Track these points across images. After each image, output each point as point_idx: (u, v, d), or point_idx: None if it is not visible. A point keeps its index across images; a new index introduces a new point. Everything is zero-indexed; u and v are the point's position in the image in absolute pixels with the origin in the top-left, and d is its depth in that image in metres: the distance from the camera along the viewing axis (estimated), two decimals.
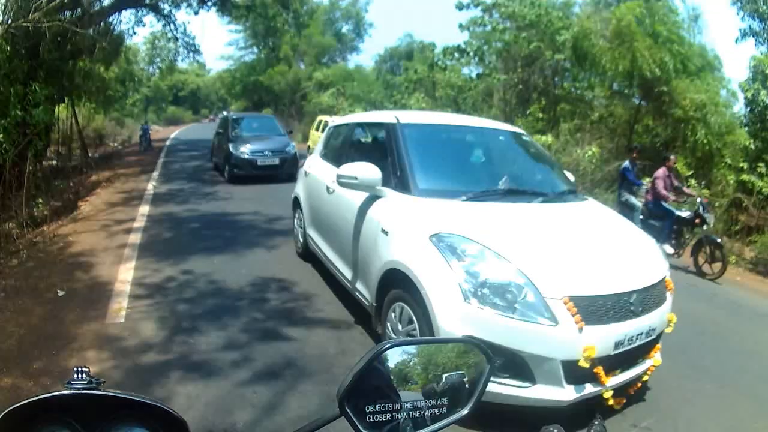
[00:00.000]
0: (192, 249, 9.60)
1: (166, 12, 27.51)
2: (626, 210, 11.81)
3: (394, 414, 1.33)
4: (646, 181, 13.22)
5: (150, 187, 16.73)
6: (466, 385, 1.44)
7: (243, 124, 21.54)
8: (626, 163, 12.92)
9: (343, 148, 8.18)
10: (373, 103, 38.42)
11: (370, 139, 7.94)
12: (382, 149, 6.46)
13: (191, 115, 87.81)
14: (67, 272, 8.20)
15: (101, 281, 7.81)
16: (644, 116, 21.04)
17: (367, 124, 8.24)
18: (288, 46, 55.99)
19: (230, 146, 18.85)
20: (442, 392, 1.40)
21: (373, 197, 5.98)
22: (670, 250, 11.21)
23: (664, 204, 11.66)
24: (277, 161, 18.91)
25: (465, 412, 1.42)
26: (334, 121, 10.55)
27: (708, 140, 17.92)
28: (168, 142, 35.95)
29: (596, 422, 1.87)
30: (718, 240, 11.05)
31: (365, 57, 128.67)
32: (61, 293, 7.24)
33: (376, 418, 1.31)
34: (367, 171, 5.82)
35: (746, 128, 18.01)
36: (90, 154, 24.49)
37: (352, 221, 6.33)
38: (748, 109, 17.36)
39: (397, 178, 5.83)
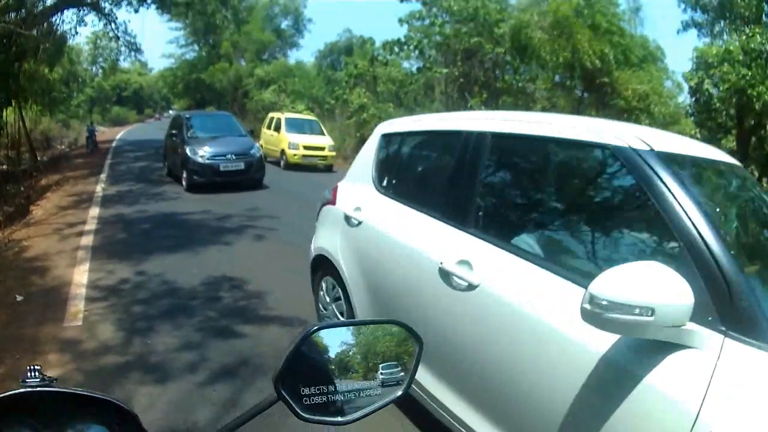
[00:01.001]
0: (144, 250, 9.27)
1: (107, 11, 26.53)
2: None
3: (330, 396, 1.32)
4: None
5: (99, 189, 15.98)
6: (399, 366, 1.43)
7: (198, 123, 17.98)
8: None
9: (465, 187, 3.79)
10: (315, 99, 37.76)
11: (550, 179, 3.63)
12: (607, 213, 3.09)
13: (135, 115, 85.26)
14: (23, 277, 7.96)
15: (57, 285, 7.53)
16: (587, 107, 20.67)
17: (533, 139, 3.46)
18: (228, 43, 54.45)
19: (187, 150, 15.67)
20: (376, 373, 1.39)
21: (657, 347, 2.26)
22: None
23: None
24: (242, 166, 15.89)
25: (399, 393, 1.40)
26: (410, 124, 5.08)
27: None
28: (114, 144, 34.69)
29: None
30: None
31: (305, 53, 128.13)
32: (19, 298, 6.98)
33: (313, 400, 1.29)
34: (672, 290, 2.11)
35: (692, 118, 17.97)
36: (39, 158, 23.45)
37: (564, 378, 2.68)
38: (693, 99, 17.10)
39: (719, 297, 2.20)
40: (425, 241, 3.81)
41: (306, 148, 21.61)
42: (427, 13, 25.03)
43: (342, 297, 4.88)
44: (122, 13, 42.73)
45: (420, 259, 3.74)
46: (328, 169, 21.87)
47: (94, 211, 12.54)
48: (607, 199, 3.17)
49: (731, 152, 15.75)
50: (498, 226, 3.54)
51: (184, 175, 15.67)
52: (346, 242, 4.87)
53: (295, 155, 21.34)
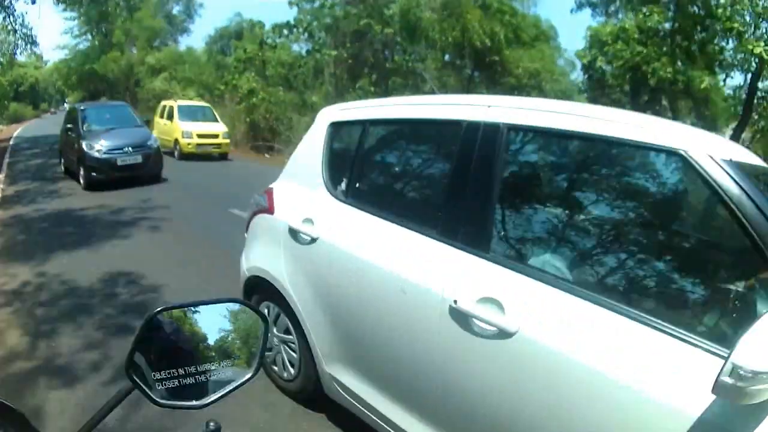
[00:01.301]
0: (43, 250, 9.01)
1: (6, 3, 25.24)
2: None
3: (182, 380, 1.28)
4: None
5: None
6: (247, 347, 1.45)
7: (94, 115, 16.50)
8: None
9: (475, 197, 2.81)
10: (205, 86, 36.50)
11: (602, 190, 2.69)
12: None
13: (32, 111, 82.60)
14: None
15: None
16: (477, 86, 20.38)
17: (574, 137, 2.57)
18: (121, 31, 51.36)
19: (83, 144, 14.36)
20: (226, 356, 1.39)
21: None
22: None
23: None
24: (140, 159, 14.67)
25: (250, 374, 1.39)
26: (373, 111, 3.86)
27: None
28: (12, 142, 33.32)
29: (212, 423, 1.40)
30: None
31: (196, 39, 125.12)
32: None
33: (166, 384, 1.26)
34: None
35: (585, 94, 18.30)
36: None
37: None
38: (586, 76, 17.61)
39: None
40: (422, 270, 2.85)
41: (200, 136, 20.07)
42: None
43: (293, 331, 3.93)
44: (19, 5, 40.97)
45: (417, 295, 2.80)
46: (223, 157, 20.56)
47: None
48: (685, 219, 2.56)
49: None
50: (531, 251, 2.69)
51: (82, 172, 14.49)
52: (296, 264, 3.84)
53: (189, 144, 19.79)
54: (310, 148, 4.03)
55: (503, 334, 2.35)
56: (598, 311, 2.12)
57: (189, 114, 21.27)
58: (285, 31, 26.04)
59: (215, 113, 22.49)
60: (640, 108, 15.34)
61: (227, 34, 47.48)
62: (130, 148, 14.27)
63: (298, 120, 23.23)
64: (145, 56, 47.16)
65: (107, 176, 13.87)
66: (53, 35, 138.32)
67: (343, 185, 3.64)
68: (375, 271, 3.06)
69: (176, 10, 56.42)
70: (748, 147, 14.98)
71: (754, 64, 13.86)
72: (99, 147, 14.00)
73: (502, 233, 2.67)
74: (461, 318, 2.53)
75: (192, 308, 1.40)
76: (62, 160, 17.43)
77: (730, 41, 14.64)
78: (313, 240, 3.55)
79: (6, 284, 7.41)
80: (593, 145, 2.55)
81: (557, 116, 2.50)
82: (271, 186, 4.31)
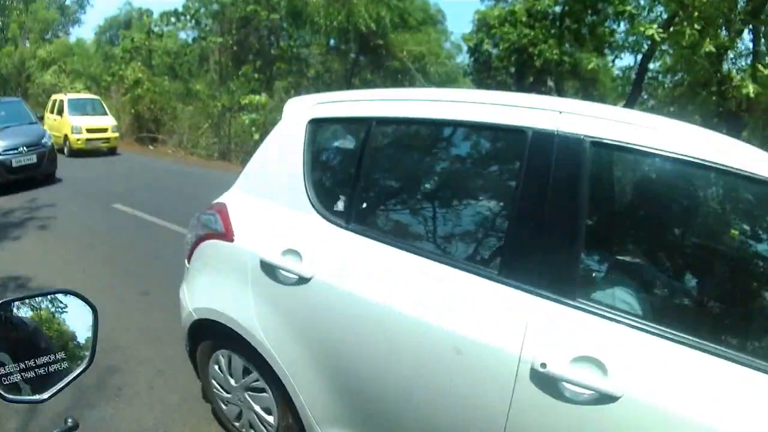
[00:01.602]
0: None
1: None
2: None
3: (24, 374, 1.29)
4: None
5: None
6: (80, 338, 1.44)
7: None
8: None
9: (555, 230, 2.15)
10: (93, 78, 35.32)
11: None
12: None
13: None
14: None
15: None
16: (361, 70, 20.46)
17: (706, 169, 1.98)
18: (16, 25, 49.66)
19: None
20: (58, 347, 1.38)
21: None
22: None
23: None
24: (34, 159, 13.36)
25: (85, 365, 1.41)
26: (375, 106, 2.81)
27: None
28: None
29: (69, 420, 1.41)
30: None
31: (87, 29, 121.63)
32: None
33: (11, 379, 1.27)
34: None
35: (470, 77, 18.18)
36: None
37: None
38: (472, 58, 17.37)
39: None
40: (483, 323, 2.14)
41: (89, 131, 18.78)
42: None
43: (268, 389, 3.04)
44: None
45: (481, 355, 2.12)
46: (112, 152, 19.31)
47: None
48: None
49: None
50: (647, 300, 2.18)
51: None
52: (273, 308, 2.86)
53: (78, 140, 18.45)
54: (282, 155, 3.07)
55: (605, 399, 1.86)
56: (713, 361, 1.75)
57: (79, 108, 20.00)
58: (173, 19, 25.21)
59: (104, 105, 21.30)
60: (525, 89, 15.12)
61: (116, 23, 46.18)
62: (24, 148, 13.03)
63: (182, 109, 22.55)
64: (36, 49, 45.43)
65: (2, 179, 12.57)
66: None
67: (342, 206, 2.74)
68: (406, 323, 2.28)
69: (69, 0, 54.66)
70: None
71: (645, 46, 13.79)
72: None
73: (593, 274, 2.19)
74: (548, 382, 1.96)
75: (23, 301, 1.40)
76: None
77: (622, 24, 14.67)
78: (303, 280, 2.63)
79: None
80: (713, 175, 2.06)
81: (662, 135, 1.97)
82: (220, 201, 3.24)
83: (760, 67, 11.72)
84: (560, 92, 15.65)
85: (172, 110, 23.04)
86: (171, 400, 4.12)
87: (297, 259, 2.64)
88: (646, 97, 15.30)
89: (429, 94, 2.67)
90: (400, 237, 2.50)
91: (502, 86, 17.07)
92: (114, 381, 4.23)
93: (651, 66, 14.61)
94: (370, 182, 2.77)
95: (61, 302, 1.45)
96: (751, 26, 12.77)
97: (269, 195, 3.00)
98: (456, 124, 2.51)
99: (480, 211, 2.50)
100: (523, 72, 15.55)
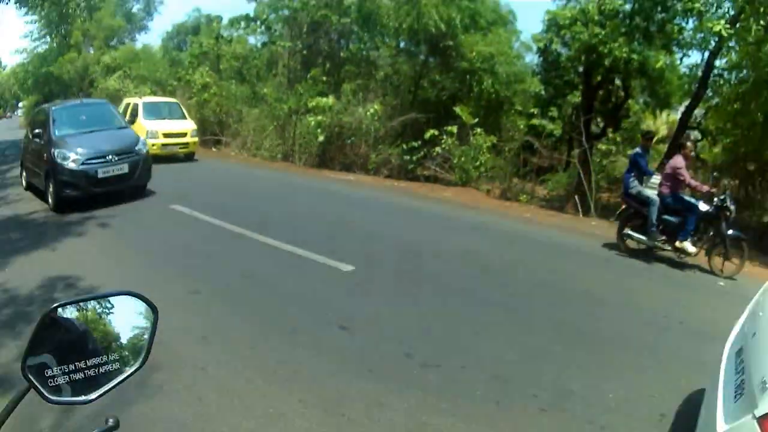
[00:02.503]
0: None
1: None
2: (636, 203, 9.56)
3: (72, 375, 1.32)
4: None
5: None
6: (136, 338, 1.47)
7: (68, 116, 13.47)
8: (638, 149, 10.25)
9: None
10: (159, 82, 35.56)
11: None
12: None
13: None
14: None
15: None
16: (431, 71, 20.62)
17: None
18: (79, 32, 51.41)
19: (54, 153, 11.69)
20: (114, 348, 1.41)
21: None
22: (692, 249, 9.03)
23: (687, 198, 9.47)
24: (126, 168, 11.98)
25: (137, 365, 1.45)
26: None
27: (495, 89, 17.82)
28: None
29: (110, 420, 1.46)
30: (742, 235, 8.99)
31: (154, 36, 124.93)
32: None
33: (57, 381, 1.30)
34: None
35: (539, 76, 18.45)
36: None
37: None
38: (541, 58, 17.76)
39: None
40: None
41: (166, 135, 18.49)
42: None
43: None
44: None
45: None
46: (189, 157, 19.20)
47: None
48: None
49: (576, 107, 16.80)
50: None
51: (51, 188, 11.86)
52: None
53: (153, 146, 16.68)
54: None
55: None
56: None
57: (154, 112, 19.87)
58: (242, 24, 25.83)
59: (183, 109, 21.17)
60: (592, 88, 15.93)
61: (185, 29, 47.46)
62: (113, 156, 11.79)
63: (248, 112, 23.20)
64: (101, 55, 46.94)
65: (85, 192, 11.51)
66: (13, 40, 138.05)
67: None
68: None
69: (136, 8, 56.31)
70: (699, 123, 15.67)
71: (712, 43, 13.98)
72: (75, 156, 11.55)
73: None
74: None
75: (84, 303, 1.43)
76: (24, 174, 15.01)
77: (690, 21, 14.80)
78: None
79: None
80: None
81: None
82: None
83: None
84: (627, 90, 16.06)
85: (238, 113, 23.64)
86: (210, 397, 4.41)
87: None
88: (710, 94, 15.39)
89: None
90: None
91: (569, 85, 17.85)
92: (156, 378, 4.44)
93: (717, 63, 14.75)
94: None
95: (122, 303, 1.49)
96: None
97: None
98: None
99: None
100: (590, 71, 15.80)
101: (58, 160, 11.39)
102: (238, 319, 5.97)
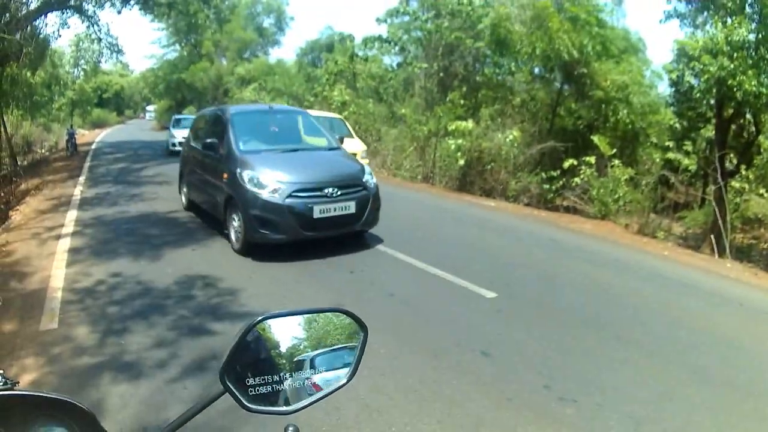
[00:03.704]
0: (120, 251, 9.61)
1: (89, 13, 26.90)
2: None
3: (275, 386, 1.35)
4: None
5: (77, 192, 16.35)
6: (343, 354, 1.48)
7: (254, 125, 10.77)
8: None
9: None
10: (295, 97, 37.68)
11: None
12: None
13: (116, 117, 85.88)
14: (2, 281, 8.23)
15: (35, 288, 7.81)
16: (566, 99, 20.87)
17: None
18: (210, 42, 54.52)
19: (242, 176, 8.97)
20: (321, 362, 1.43)
21: None
22: None
23: None
24: (351, 207, 9.00)
25: (344, 381, 1.46)
26: None
27: (631, 119, 18.14)
28: (93, 146, 35.77)
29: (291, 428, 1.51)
30: None
31: (286, 50, 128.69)
32: None
33: (258, 390, 1.33)
34: None
35: (672, 108, 18.65)
36: (19, 163, 23.64)
37: None
38: (674, 89, 17.68)
39: None
40: None
41: None
42: (408, 9, 25.29)
43: None
44: (105, 15, 43.51)
45: None
46: None
47: (72, 214, 12.86)
48: None
49: (710, 141, 16.65)
50: None
51: (237, 223, 9.09)
52: None
53: None
54: None
55: None
56: None
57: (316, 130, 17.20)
58: (376, 44, 26.92)
59: (349, 127, 19.82)
60: (724, 122, 15.72)
61: (318, 46, 49.12)
62: (334, 189, 8.79)
63: (386, 131, 23.93)
64: (234, 67, 49.12)
65: (290, 236, 8.69)
66: (142, 45, 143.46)
67: None
68: None
69: (267, 23, 58.46)
70: None
71: None
72: (275, 183, 8.69)
73: None
74: None
75: (291, 316, 1.45)
76: (184, 190, 12.74)
77: None
78: None
79: (77, 282, 7.96)
80: None
81: None
82: None
83: None
84: (757, 126, 15.70)
85: (377, 132, 24.38)
86: (350, 408, 4.54)
87: None
88: None
89: None
90: None
91: (702, 118, 17.76)
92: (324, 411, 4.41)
93: None
94: None
95: (333, 320, 1.53)
96: None
97: None
98: None
99: None
100: (722, 104, 15.51)
101: (248, 187, 8.75)
102: (380, 335, 5.80)
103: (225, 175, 9.41)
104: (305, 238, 8.78)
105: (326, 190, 8.73)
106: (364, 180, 9.48)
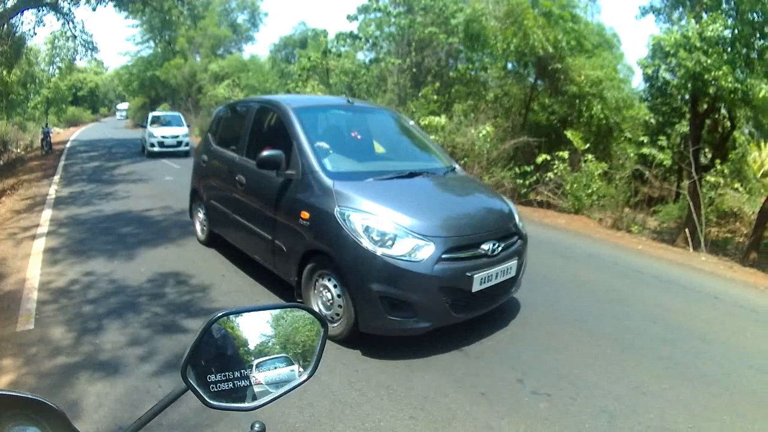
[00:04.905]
0: (94, 250, 9.63)
1: (65, 10, 26.90)
2: None
3: (236, 382, 1.36)
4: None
5: (52, 191, 16.38)
6: (304, 350, 1.49)
7: (333, 129, 7.48)
8: None
9: None
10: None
11: None
12: None
13: (90, 115, 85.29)
14: None
15: (11, 290, 7.79)
16: (540, 94, 20.78)
17: None
18: (184, 39, 54.19)
19: (353, 225, 5.31)
20: (282, 359, 1.45)
21: None
22: None
23: None
24: (512, 270, 6.04)
25: (305, 377, 1.48)
26: None
27: (605, 114, 18.15)
28: (68, 144, 35.96)
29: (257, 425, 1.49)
30: None
31: (260, 47, 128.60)
32: None
33: (219, 387, 1.34)
34: None
35: (646, 103, 18.61)
36: None
37: None
38: (648, 84, 17.50)
39: None
40: None
41: None
42: (381, 5, 25.02)
43: None
44: (80, 12, 43.34)
45: None
46: None
47: (47, 214, 12.94)
48: None
49: (684, 136, 16.67)
50: None
51: (334, 297, 5.63)
52: None
53: None
54: None
55: None
56: None
57: None
58: (348, 40, 26.78)
59: None
60: (699, 116, 15.72)
61: (291, 42, 48.73)
62: (495, 244, 5.70)
63: None
64: (208, 63, 48.71)
65: (436, 322, 5.48)
66: (116, 42, 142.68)
67: None
68: None
69: (241, 19, 58.36)
70: None
71: None
72: (410, 241, 5.23)
73: None
74: None
75: (250, 312, 1.45)
76: (201, 216, 9.38)
77: None
78: None
79: (52, 282, 7.94)
80: None
81: None
82: None
83: None
84: (732, 120, 15.72)
85: None
86: (323, 405, 4.63)
87: None
88: None
89: None
90: None
91: (677, 112, 17.69)
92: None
93: None
94: None
95: (293, 315, 1.52)
96: None
97: None
98: None
99: None
100: (697, 99, 15.62)
101: (364, 243, 5.24)
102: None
103: (305, 215, 5.82)
104: (451, 318, 5.50)
105: (484, 246, 5.57)
106: (518, 224, 6.40)
